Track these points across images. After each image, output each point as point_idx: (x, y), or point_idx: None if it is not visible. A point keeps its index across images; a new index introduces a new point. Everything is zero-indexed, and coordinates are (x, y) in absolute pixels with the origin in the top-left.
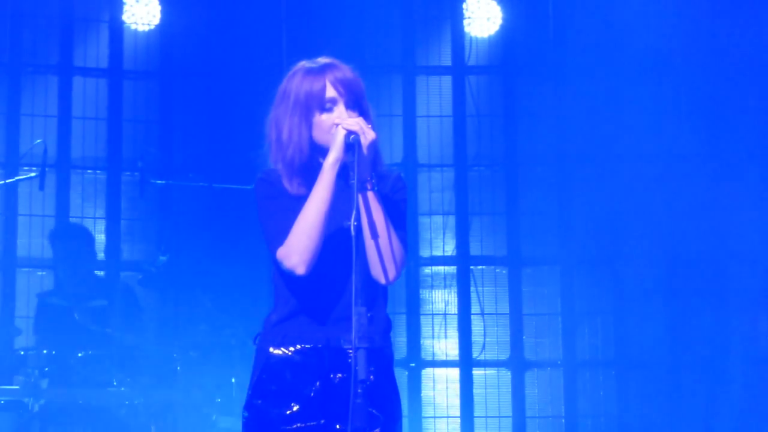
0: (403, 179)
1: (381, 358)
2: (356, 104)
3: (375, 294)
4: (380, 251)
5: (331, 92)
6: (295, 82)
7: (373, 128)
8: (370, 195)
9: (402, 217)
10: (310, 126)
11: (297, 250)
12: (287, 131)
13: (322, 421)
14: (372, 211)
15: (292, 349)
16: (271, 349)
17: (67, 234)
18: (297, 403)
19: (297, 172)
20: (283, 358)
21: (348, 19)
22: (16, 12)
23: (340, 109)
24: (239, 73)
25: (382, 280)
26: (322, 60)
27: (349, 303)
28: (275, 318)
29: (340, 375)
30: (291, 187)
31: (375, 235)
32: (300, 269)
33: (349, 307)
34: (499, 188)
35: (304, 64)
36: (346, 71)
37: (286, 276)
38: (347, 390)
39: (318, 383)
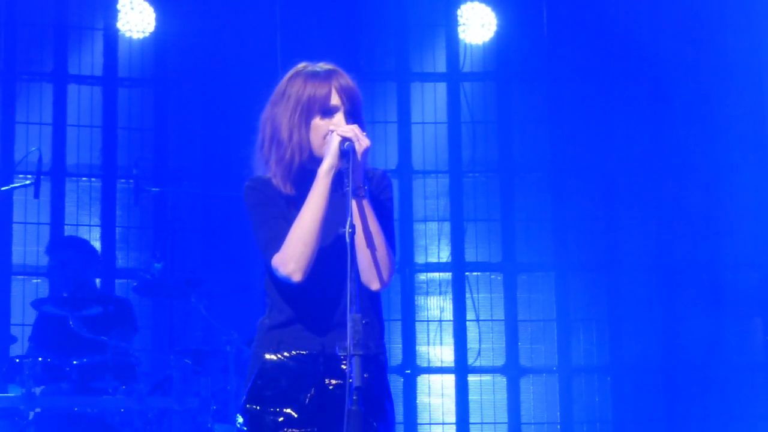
0: (388, 177)
1: (375, 364)
2: (355, 114)
3: (368, 300)
4: (372, 258)
5: (335, 100)
6: (298, 84)
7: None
8: (363, 202)
9: (389, 217)
10: (309, 128)
11: (293, 257)
12: (287, 131)
13: (316, 429)
14: (364, 218)
15: (287, 354)
16: (266, 355)
17: (65, 244)
18: (292, 409)
19: (294, 174)
20: (278, 364)
21: (343, 26)
22: (10, 20)
23: (339, 117)
24: (234, 80)
25: (373, 287)
26: (325, 65)
27: (343, 309)
28: (269, 324)
29: (335, 381)
30: (284, 187)
31: (368, 242)
32: (296, 276)
33: (344, 314)
34: (493, 194)
35: (306, 66)
36: (349, 80)
37: (280, 282)
38: (342, 397)
39: (313, 390)
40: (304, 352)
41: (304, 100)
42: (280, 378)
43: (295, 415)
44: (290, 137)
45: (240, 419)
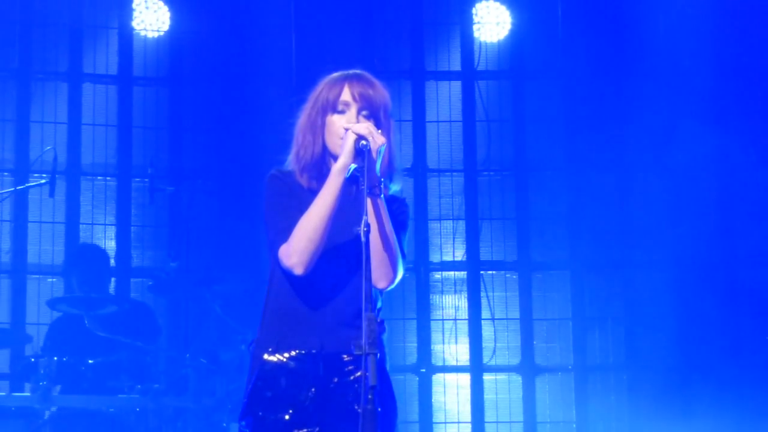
0: (407, 204)
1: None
2: (372, 114)
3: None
4: (382, 256)
5: (346, 96)
6: (318, 88)
7: (391, 142)
8: (378, 201)
9: (402, 234)
10: (324, 126)
11: (297, 250)
12: (303, 130)
13: (318, 429)
14: (378, 216)
15: (286, 355)
16: (265, 356)
17: (83, 257)
18: (293, 409)
19: (308, 170)
20: (277, 365)
21: (357, 25)
22: (25, 19)
23: (351, 113)
24: (249, 78)
25: (380, 285)
26: (351, 71)
27: (347, 309)
28: (270, 322)
29: (335, 380)
30: (303, 181)
31: (381, 240)
32: (298, 270)
33: (347, 313)
34: (508, 193)
35: (333, 75)
36: (368, 82)
37: (284, 278)
38: (342, 395)
39: (313, 389)
40: (303, 352)
41: (320, 100)
42: (279, 378)
43: (297, 416)
44: (305, 135)
45: (242, 422)
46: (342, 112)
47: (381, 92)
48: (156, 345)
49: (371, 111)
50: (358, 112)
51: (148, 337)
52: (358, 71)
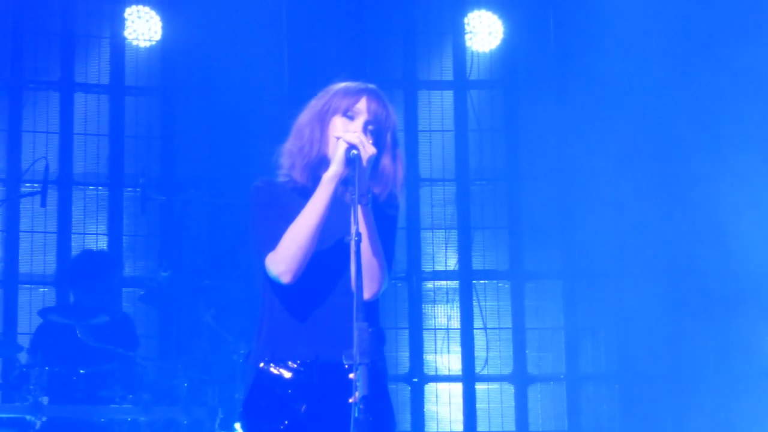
0: (396, 196)
1: (374, 372)
2: (377, 131)
3: (367, 308)
4: (367, 266)
5: (361, 105)
6: (333, 88)
7: (397, 167)
8: (365, 210)
9: (391, 232)
10: (329, 125)
11: (285, 258)
12: (310, 125)
13: None
14: (366, 225)
15: (281, 364)
16: (261, 365)
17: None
18: (288, 420)
19: (309, 168)
20: (273, 375)
21: (350, 34)
22: (17, 28)
23: (359, 122)
24: (240, 88)
25: (364, 295)
26: (371, 86)
27: (340, 318)
28: (265, 333)
29: (330, 389)
30: (300, 177)
31: (367, 249)
32: (286, 278)
33: (340, 322)
34: (501, 202)
35: (351, 83)
36: (384, 102)
37: (277, 289)
38: (338, 405)
39: (308, 399)
40: (299, 362)
41: (333, 101)
42: (275, 389)
43: (293, 426)
44: (312, 130)
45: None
46: (351, 117)
47: (392, 116)
48: (136, 354)
49: (377, 128)
50: (365, 124)
51: (128, 347)
52: (372, 86)
